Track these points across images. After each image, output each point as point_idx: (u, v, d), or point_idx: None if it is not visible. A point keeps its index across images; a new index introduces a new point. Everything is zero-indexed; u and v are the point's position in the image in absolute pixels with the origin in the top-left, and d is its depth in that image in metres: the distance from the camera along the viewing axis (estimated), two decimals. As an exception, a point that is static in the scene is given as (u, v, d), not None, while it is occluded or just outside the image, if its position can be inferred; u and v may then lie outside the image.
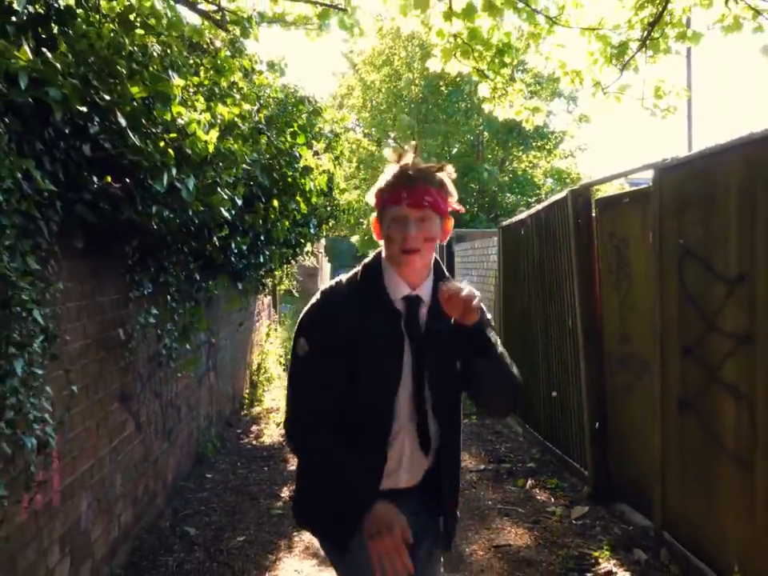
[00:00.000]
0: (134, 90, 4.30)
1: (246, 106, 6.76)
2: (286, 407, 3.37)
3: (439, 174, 3.22)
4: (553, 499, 7.96)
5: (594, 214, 8.02)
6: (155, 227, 5.03)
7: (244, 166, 6.35)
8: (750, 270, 5.05)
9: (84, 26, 4.30)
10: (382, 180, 3.27)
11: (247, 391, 13.18)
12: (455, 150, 34.95)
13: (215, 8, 8.58)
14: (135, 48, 4.70)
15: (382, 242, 3.35)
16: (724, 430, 5.46)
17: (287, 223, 8.69)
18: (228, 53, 8.09)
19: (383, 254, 3.36)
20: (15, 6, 3.49)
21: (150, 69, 4.84)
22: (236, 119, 6.19)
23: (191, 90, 6.00)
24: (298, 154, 8.39)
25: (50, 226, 3.89)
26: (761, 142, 4.91)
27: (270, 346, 16.41)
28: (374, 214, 3.37)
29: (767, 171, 4.83)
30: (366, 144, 34.56)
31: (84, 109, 3.93)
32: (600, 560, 6.30)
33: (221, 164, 5.67)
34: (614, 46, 8.85)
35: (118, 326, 5.77)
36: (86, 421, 5.19)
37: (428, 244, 3.21)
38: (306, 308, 3.35)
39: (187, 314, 6.89)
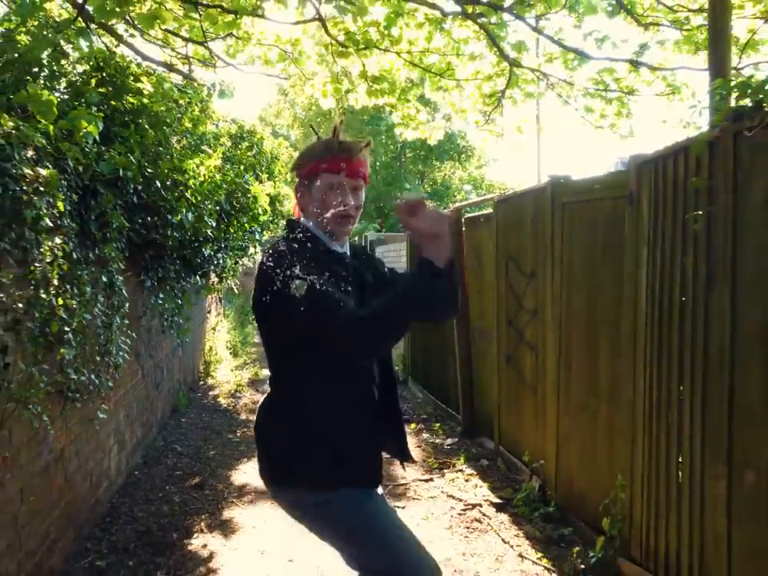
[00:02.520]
0: (165, 166, 7.33)
1: (217, 159, 9.73)
2: (325, 327, 3.09)
3: (367, 148, 3.49)
4: (435, 436, 10.84)
5: (463, 228, 11.01)
6: (170, 243, 8.04)
7: (216, 199, 9.40)
8: (536, 270, 8.04)
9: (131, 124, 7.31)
10: (315, 150, 3.45)
11: (202, 367, 15.87)
12: (382, 160, 37.82)
13: (182, 55, 11.53)
14: (163, 139, 7.72)
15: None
16: (526, 371, 8.37)
17: (240, 234, 11.59)
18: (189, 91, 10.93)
19: (303, 220, 3.53)
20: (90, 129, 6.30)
21: (173, 149, 7.89)
22: (213, 170, 9.20)
23: (179, 144, 8.98)
24: (249, 184, 11.32)
25: (120, 244, 6.85)
26: (540, 189, 7.91)
27: (219, 333, 19.17)
28: (297, 182, 3.54)
29: (543, 209, 7.78)
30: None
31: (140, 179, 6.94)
32: (456, 465, 9.25)
33: (206, 201, 8.70)
34: (485, 95, 12.02)
35: (135, 305, 8.64)
36: (122, 364, 8.12)
37: (358, 212, 3.47)
38: (273, 267, 3.22)
39: (179, 299, 9.85)
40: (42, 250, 4.53)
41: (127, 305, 6.86)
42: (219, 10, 9.11)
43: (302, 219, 3.56)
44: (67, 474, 6.03)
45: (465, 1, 9.05)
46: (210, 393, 14.03)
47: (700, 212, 4.73)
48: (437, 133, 13.36)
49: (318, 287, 3.09)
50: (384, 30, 10.09)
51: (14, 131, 4.39)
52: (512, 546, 6.58)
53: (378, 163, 37.74)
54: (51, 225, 4.68)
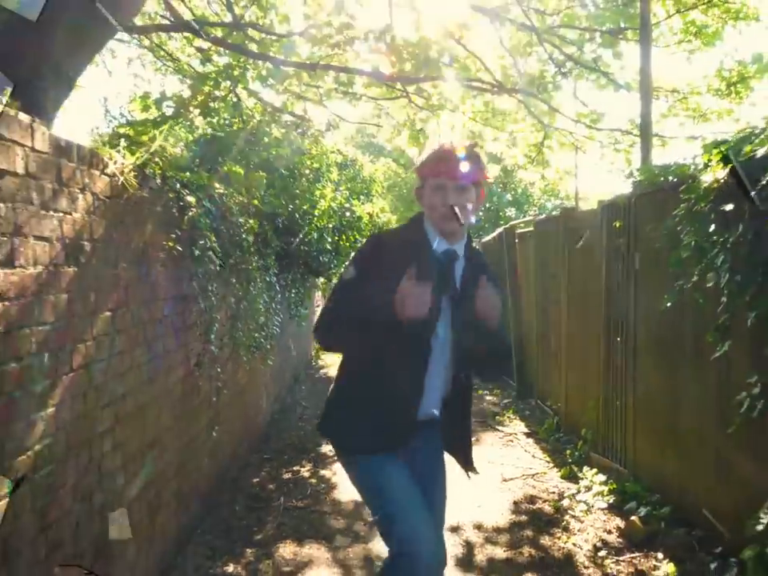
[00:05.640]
0: (301, 204, 10.95)
1: (333, 192, 13.32)
2: (318, 317, 3.86)
3: (471, 150, 3.73)
4: (495, 398, 14.25)
5: (516, 241, 14.39)
6: (300, 254, 11.64)
7: (332, 222, 13.01)
8: (556, 272, 11.37)
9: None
10: (425, 156, 3.83)
11: (313, 352, 19.62)
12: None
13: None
14: (299, 186, 11.33)
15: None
16: (552, 344, 11.65)
17: (348, 245, 15.07)
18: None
19: (425, 214, 3.87)
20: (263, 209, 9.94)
21: (303, 187, 11.49)
22: (329, 200, 12.78)
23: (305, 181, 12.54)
24: (354, 206, 14.84)
25: (273, 257, 10.39)
26: (556, 216, 11.29)
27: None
28: (417, 185, 3.93)
29: (557, 229, 11.08)
30: (395, 168, 39.72)
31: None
32: (505, 414, 12.64)
33: (326, 224, 12.29)
34: (530, 144, 15.52)
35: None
36: (269, 338, 11.66)
37: (464, 211, 3.67)
38: (359, 247, 3.85)
39: (302, 294, 13.45)
40: (251, 263, 8.14)
41: (279, 296, 10.47)
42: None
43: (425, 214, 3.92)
44: (245, 401, 9.63)
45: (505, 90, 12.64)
46: (321, 370, 17.79)
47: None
48: (494, 171, 16.86)
49: (350, 282, 3.73)
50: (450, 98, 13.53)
51: (234, 196, 8.00)
52: (529, 453, 10.04)
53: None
54: (253, 249, 8.30)
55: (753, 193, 4.51)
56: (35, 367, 3.60)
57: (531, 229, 13.29)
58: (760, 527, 4.63)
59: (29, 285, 3.53)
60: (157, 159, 5.68)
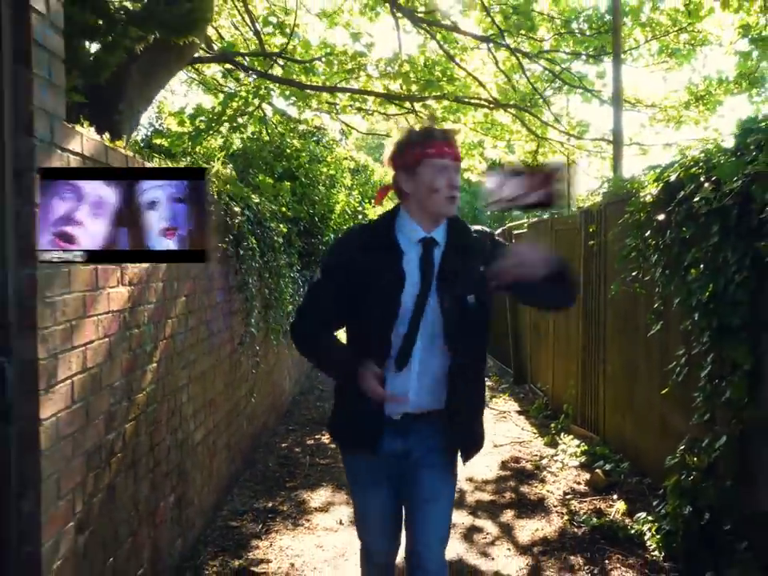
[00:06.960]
0: (320, 208, 12.41)
1: (347, 197, 14.82)
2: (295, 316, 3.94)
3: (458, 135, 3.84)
4: (493, 383, 15.64)
5: (513, 241, 15.78)
6: (321, 254, 13.10)
7: (347, 225, 14.47)
8: None
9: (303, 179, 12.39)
10: (417, 138, 3.59)
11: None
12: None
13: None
14: (318, 192, 12.81)
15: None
16: (542, 333, 13.08)
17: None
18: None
19: (402, 207, 3.70)
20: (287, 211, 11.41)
21: (321, 193, 12.98)
22: (344, 205, 14.26)
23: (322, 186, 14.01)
24: (365, 209, 16.33)
25: (296, 255, 11.85)
26: (546, 219, 12.74)
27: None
28: (395, 173, 3.67)
29: (547, 231, 12.53)
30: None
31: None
32: (502, 396, 14.06)
33: (341, 226, 13.76)
34: (527, 152, 16.97)
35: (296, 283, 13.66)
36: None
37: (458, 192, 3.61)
38: (327, 249, 3.95)
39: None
40: (280, 261, 9.61)
41: (301, 290, 11.93)
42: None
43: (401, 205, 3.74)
44: (273, 381, 11.08)
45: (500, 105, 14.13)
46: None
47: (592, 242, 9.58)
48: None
49: (316, 284, 3.80)
50: (453, 112, 14.98)
51: (266, 205, 9.47)
52: (519, 426, 11.50)
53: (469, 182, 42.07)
54: (282, 249, 9.76)
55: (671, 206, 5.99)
56: (146, 333, 5.10)
57: (526, 230, 14.69)
58: (675, 460, 6.11)
59: (143, 275, 5.01)
60: (213, 179, 7.19)
